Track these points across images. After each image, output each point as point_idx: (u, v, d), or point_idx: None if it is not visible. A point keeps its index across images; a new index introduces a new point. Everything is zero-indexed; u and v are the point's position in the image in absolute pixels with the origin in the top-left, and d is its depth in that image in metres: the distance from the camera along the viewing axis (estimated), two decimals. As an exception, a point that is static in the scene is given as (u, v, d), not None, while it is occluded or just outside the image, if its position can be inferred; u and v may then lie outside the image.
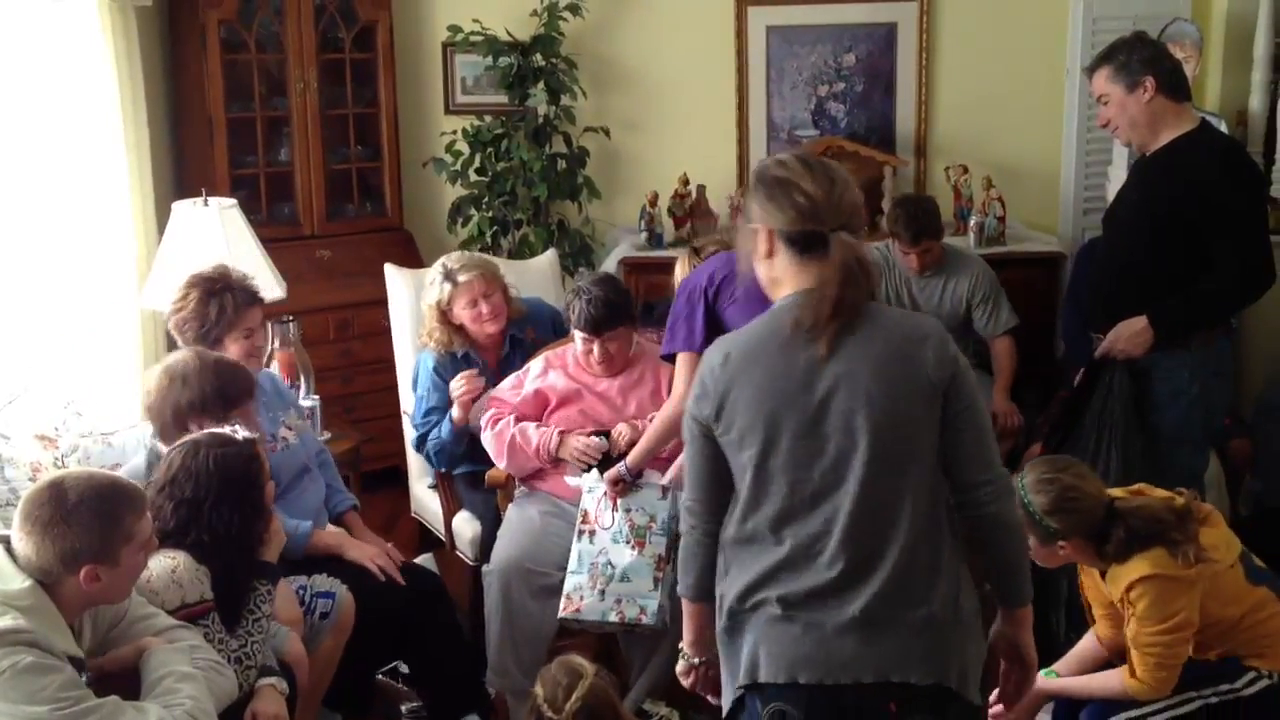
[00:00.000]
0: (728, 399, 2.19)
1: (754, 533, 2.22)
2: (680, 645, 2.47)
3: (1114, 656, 2.88)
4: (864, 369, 2.14)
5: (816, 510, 2.17)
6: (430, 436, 3.90)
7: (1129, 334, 3.51)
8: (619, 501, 3.47)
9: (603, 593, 3.40)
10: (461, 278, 3.87)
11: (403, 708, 3.67)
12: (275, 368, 3.96)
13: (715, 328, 3.20)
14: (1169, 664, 2.72)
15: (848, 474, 2.14)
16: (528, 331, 4.06)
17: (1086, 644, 2.98)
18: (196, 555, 2.79)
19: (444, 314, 3.91)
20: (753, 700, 2.23)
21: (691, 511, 2.32)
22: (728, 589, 2.26)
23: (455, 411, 3.82)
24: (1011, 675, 2.39)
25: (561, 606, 3.43)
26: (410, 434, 4.09)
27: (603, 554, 3.43)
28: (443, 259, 4.02)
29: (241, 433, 2.94)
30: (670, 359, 3.44)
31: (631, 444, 3.54)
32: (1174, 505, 2.78)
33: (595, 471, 3.56)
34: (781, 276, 2.23)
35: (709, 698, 2.46)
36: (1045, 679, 2.90)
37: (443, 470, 3.97)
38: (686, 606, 2.41)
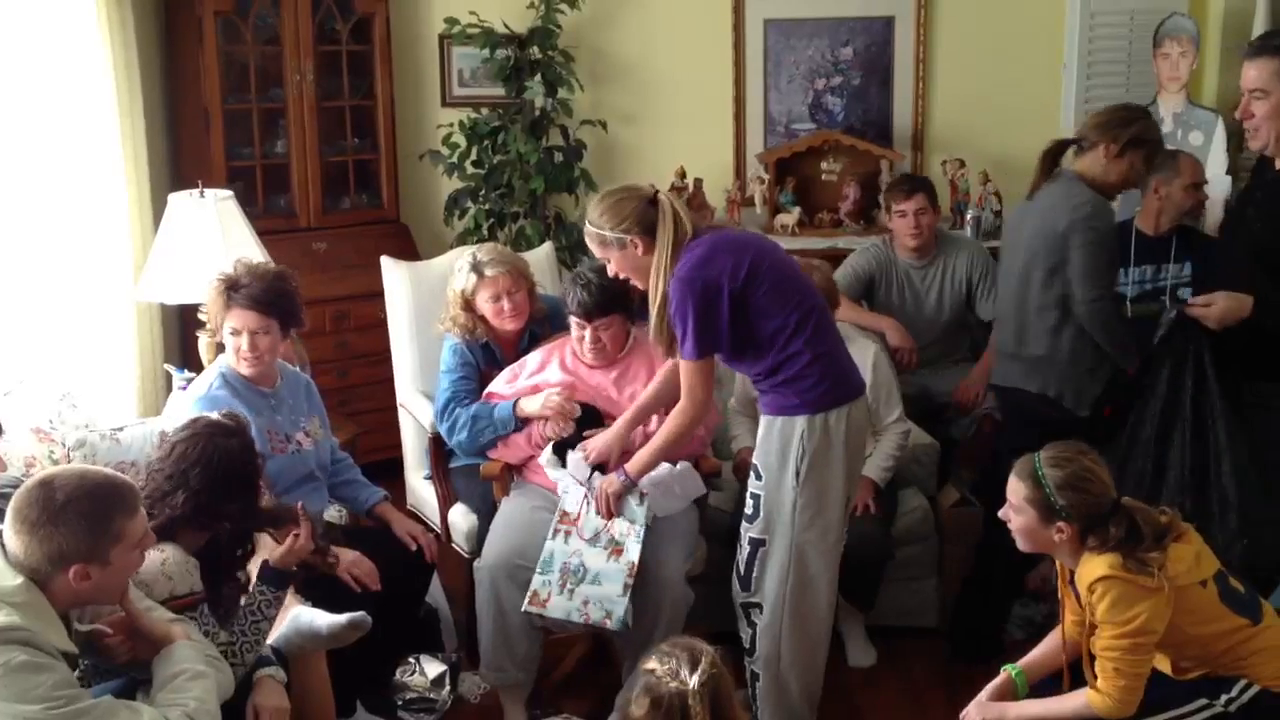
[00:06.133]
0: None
1: None
2: None
3: (1072, 659, 2.84)
4: (1038, 213, 3.68)
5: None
6: (462, 416, 3.80)
7: (1231, 301, 3.24)
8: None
9: (571, 592, 3.40)
10: (488, 271, 3.86)
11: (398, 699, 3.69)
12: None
13: (738, 318, 3.14)
14: (1127, 673, 2.67)
15: (1015, 269, 3.75)
16: (547, 329, 4.04)
17: (1050, 642, 2.94)
18: (186, 546, 2.83)
19: (467, 302, 3.91)
20: None
21: None
22: None
23: (530, 406, 3.72)
24: None
25: (527, 600, 3.43)
26: (422, 416, 4.05)
27: (576, 555, 3.44)
28: (474, 249, 4.01)
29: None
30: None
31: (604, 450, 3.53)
32: (1156, 519, 2.75)
33: (556, 462, 3.58)
34: None
35: None
36: (1007, 706, 2.86)
37: (456, 449, 3.90)
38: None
